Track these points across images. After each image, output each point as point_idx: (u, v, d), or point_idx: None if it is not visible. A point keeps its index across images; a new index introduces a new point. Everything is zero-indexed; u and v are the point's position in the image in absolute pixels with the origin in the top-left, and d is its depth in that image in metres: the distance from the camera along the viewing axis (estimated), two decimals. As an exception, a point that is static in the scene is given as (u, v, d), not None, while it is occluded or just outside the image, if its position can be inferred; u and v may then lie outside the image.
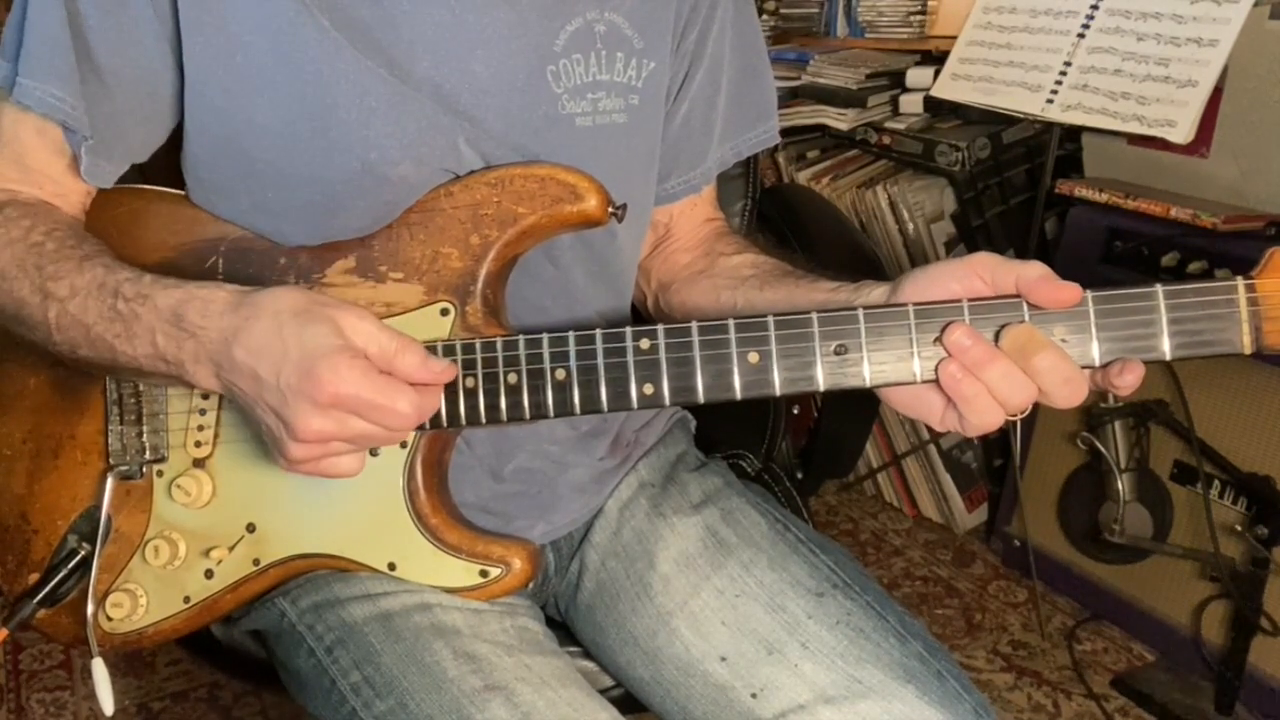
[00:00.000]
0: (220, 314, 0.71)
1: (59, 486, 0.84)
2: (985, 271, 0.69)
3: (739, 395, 0.71)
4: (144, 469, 0.82)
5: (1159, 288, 0.66)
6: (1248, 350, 0.66)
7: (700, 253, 0.98)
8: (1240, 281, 0.65)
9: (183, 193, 0.84)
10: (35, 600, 0.80)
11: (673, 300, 0.97)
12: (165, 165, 0.85)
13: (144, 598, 0.82)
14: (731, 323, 0.71)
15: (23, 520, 0.84)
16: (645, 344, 0.72)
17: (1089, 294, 0.67)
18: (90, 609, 0.81)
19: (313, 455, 0.70)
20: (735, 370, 0.71)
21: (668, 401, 0.72)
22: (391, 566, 0.79)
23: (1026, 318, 0.67)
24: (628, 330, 0.73)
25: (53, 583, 0.81)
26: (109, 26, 0.77)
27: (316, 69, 0.76)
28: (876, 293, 0.76)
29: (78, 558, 0.81)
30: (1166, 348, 0.67)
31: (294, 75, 0.77)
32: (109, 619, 0.81)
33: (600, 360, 0.73)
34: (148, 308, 0.73)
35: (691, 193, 0.98)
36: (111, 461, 0.82)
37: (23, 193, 0.82)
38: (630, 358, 0.73)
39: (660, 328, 0.72)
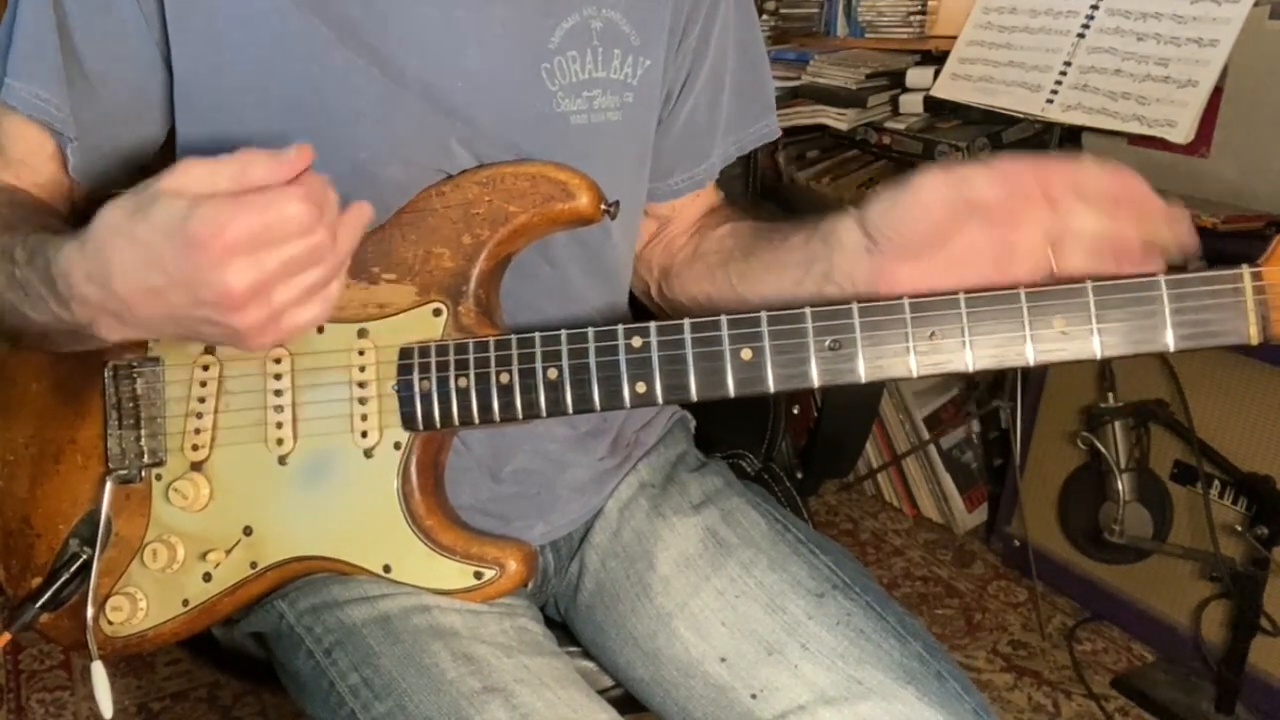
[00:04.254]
0: (81, 275, 0.65)
1: (60, 491, 0.84)
2: (967, 186, 0.70)
3: (732, 392, 0.71)
4: (143, 472, 0.82)
5: (1161, 277, 0.65)
6: (1255, 340, 0.65)
7: (693, 232, 0.98)
8: (1246, 270, 0.64)
9: (181, 195, 0.84)
10: (37, 605, 0.80)
11: (674, 285, 0.97)
12: (166, 166, 0.85)
13: (143, 601, 0.82)
14: (724, 319, 0.71)
15: (25, 524, 0.84)
16: (637, 342, 0.72)
17: (1089, 284, 0.66)
18: (90, 613, 0.81)
19: (262, 316, 0.62)
20: (728, 367, 0.71)
21: (660, 400, 0.72)
22: (386, 569, 0.79)
23: (1025, 311, 0.67)
24: (619, 328, 0.73)
25: (54, 587, 0.81)
26: (94, 28, 0.78)
27: (304, 68, 0.76)
28: (848, 236, 0.77)
29: (79, 562, 0.81)
30: (1170, 339, 0.65)
31: (282, 74, 0.77)
32: (109, 623, 0.81)
33: (592, 359, 0.73)
34: (34, 275, 0.68)
35: (696, 188, 0.98)
36: (111, 465, 0.82)
37: (3, 179, 0.82)
38: (622, 356, 0.73)
39: (652, 325, 0.72)
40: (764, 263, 0.86)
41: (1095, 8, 1.83)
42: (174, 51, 0.78)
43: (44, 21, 0.77)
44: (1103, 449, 1.83)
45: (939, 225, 0.71)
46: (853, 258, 0.77)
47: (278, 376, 0.79)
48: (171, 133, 0.83)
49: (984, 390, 2.20)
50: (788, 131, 2.31)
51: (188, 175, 0.61)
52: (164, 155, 0.85)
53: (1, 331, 0.76)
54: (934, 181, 0.70)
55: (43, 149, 0.81)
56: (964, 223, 0.71)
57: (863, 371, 0.69)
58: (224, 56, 0.77)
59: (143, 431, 0.82)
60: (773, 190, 2.42)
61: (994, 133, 2.13)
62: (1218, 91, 1.71)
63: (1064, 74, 1.83)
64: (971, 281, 0.71)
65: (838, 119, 2.23)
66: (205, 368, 0.80)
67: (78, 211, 0.86)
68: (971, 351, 0.68)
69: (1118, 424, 1.82)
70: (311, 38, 0.76)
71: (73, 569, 0.81)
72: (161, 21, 0.77)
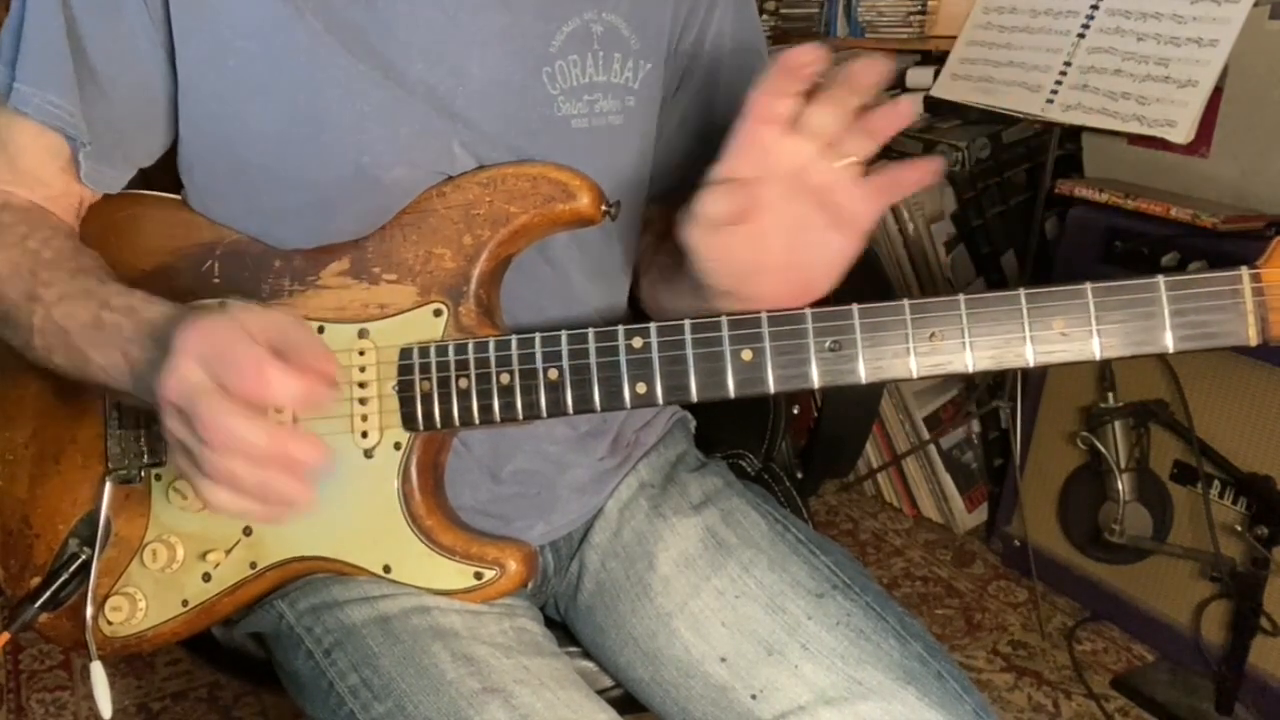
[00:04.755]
0: (191, 332, 0.67)
1: (60, 490, 0.84)
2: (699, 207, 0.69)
3: (732, 393, 0.71)
4: (142, 472, 0.82)
5: (1160, 278, 0.65)
6: (1253, 342, 0.65)
7: (657, 241, 0.97)
8: (1245, 271, 0.64)
9: (179, 197, 0.85)
10: (37, 604, 0.80)
11: (640, 292, 0.98)
12: (166, 168, 0.85)
13: (143, 601, 0.82)
14: (724, 320, 0.71)
15: (25, 524, 0.84)
16: (638, 343, 0.72)
17: (1089, 285, 0.66)
18: (89, 613, 0.81)
19: (177, 440, 0.66)
20: (729, 368, 0.71)
21: (661, 400, 0.72)
22: (386, 569, 0.79)
23: (1024, 312, 0.67)
24: (620, 329, 0.73)
25: (54, 586, 0.81)
26: (104, 33, 0.77)
27: (309, 73, 0.76)
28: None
29: (78, 561, 0.81)
30: (1169, 340, 0.65)
31: (286, 79, 0.77)
32: (109, 623, 0.81)
33: (593, 360, 0.73)
34: (131, 320, 0.72)
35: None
36: (110, 465, 0.82)
37: (16, 194, 0.82)
38: (623, 357, 0.73)
39: (653, 326, 0.72)
40: (674, 291, 0.87)
41: (1095, 8, 1.83)
42: (178, 55, 0.78)
43: (54, 25, 0.77)
44: (1103, 449, 1.83)
45: (732, 254, 0.71)
46: (725, 303, 0.75)
47: (278, 376, 0.79)
48: (176, 139, 0.83)
49: (984, 390, 2.20)
50: (788, 131, 2.31)
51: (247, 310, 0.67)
52: (166, 160, 0.85)
53: (43, 363, 0.77)
54: (693, 235, 0.71)
55: (55, 159, 0.81)
56: (746, 228, 0.70)
57: (863, 372, 0.69)
58: (228, 62, 0.77)
59: (142, 431, 0.82)
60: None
61: (994, 133, 2.13)
62: (1218, 91, 1.71)
63: (1064, 74, 1.84)
64: (824, 243, 0.70)
65: (838, 119, 2.22)
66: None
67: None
68: (971, 353, 0.68)
69: (1118, 424, 1.82)
70: (314, 42, 0.76)
71: (72, 569, 0.81)
72: (166, 24, 0.77)
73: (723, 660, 0.83)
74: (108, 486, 0.81)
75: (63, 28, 0.77)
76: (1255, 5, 1.65)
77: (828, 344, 0.69)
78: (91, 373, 0.74)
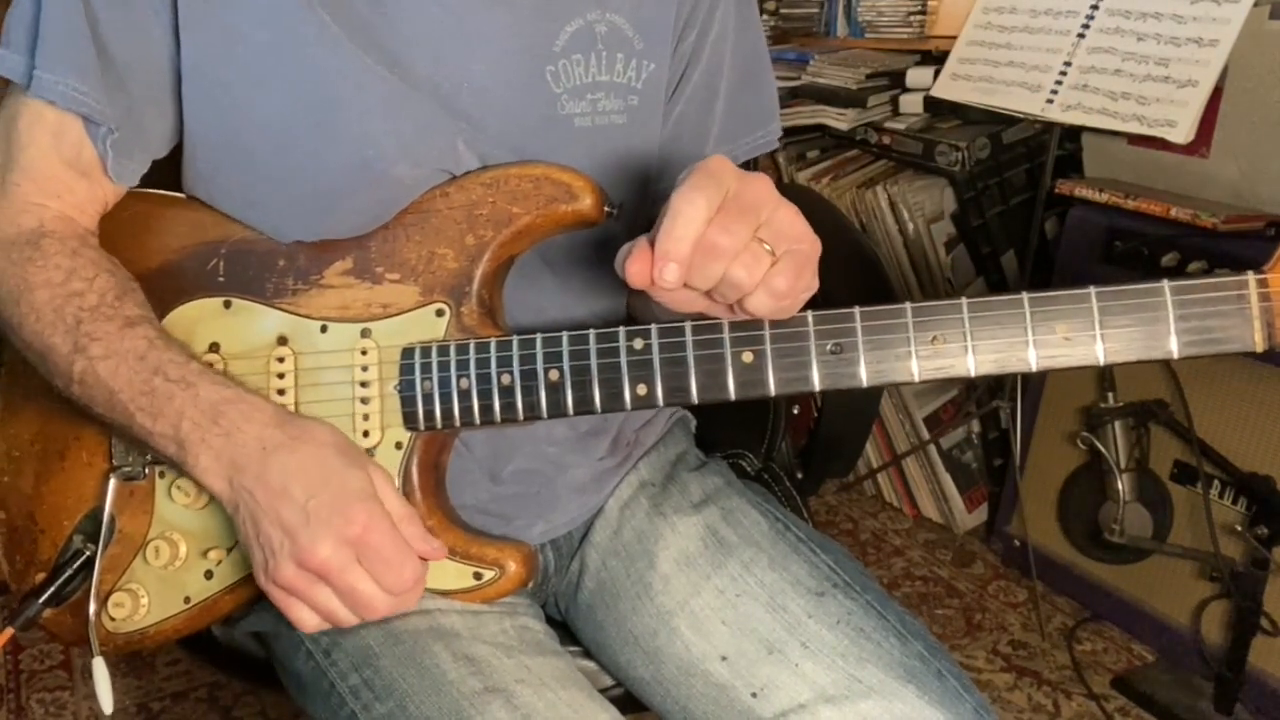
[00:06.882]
0: (264, 424, 0.72)
1: (65, 487, 0.84)
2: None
3: (733, 395, 0.71)
4: (146, 470, 0.82)
5: (1165, 283, 0.65)
6: (1260, 348, 0.65)
7: None
8: (1251, 276, 0.64)
9: (184, 196, 0.85)
10: (40, 600, 0.80)
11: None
12: (168, 167, 0.85)
13: (145, 598, 0.82)
14: (725, 322, 0.71)
15: (30, 520, 0.85)
16: (638, 344, 0.73)
17: (1093, 290, 0.66)
18: (92, 609, 0.81)
19: (299, 588, 0.70)
20: (729, 370, 0.71)
21: (661, 402, 0.72)
22: (386, 568, 0.79)
23: (1028, 316, 0.67)
24: (620, 330, 0.73)
25: (58, 583, 0.81)
26: (119, 18, 0.77)
27: (316, 64, 0.76)
28: None
29: (82, 558, 0.82)
30: (1174, 346, 0.65)
31: (293, 69, 0.77)
32: (111, 619, 0.82)
33: (593, 361, 0.73)
34: (188, 394, 0.73)
35: None
36: (115, 462, 0.82)
37: (48, 209, 0.80)
38: (623, 358, 0.73)
39: (653, 328, 0.72)
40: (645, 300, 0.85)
41: (1095, 8, 1.84)
42: (183, 40, 0.77)
43: (72, 10, 0.76)
44: (1103, 449, 1.83)
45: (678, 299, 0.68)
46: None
47: (281, 375, 0.79)
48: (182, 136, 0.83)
49: (984, 390, 2.20)
50: (788, 131, 2.31)
51: (385, 484, 0.73)
52: (174, 152, 0.85)
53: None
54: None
55: (76, 159, 0.79)
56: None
57: (864, 376, 0.69)
58: (236, 49, 0.77)
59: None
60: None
61: (994, 133, 2.13)
62: (1218, 91, 1.71)
63: (1064, 74, 1.84)
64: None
65: (838, 119, 2.23)
66: (209, 365, 0.80)
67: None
68: (974, 356, 0.68)
69: (1118, 424, 1.82)
70: (322, 34, 0.76)
71: (76, 565, 0.81)
72: (173, 9, 0.77)
73: (723, 659, 0.83)
74: (112, 483, 0.81)
75: (81, 12, 0.76)
76: (1255, 5, 1.65)
77: (829, 346, 0.69)
78: (134, 431, 0.75)
